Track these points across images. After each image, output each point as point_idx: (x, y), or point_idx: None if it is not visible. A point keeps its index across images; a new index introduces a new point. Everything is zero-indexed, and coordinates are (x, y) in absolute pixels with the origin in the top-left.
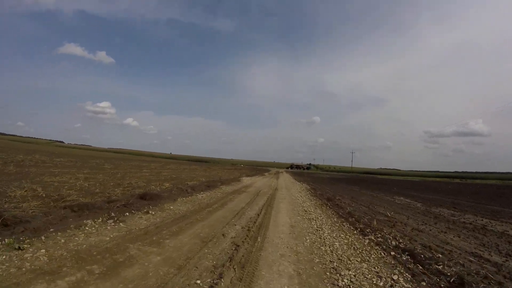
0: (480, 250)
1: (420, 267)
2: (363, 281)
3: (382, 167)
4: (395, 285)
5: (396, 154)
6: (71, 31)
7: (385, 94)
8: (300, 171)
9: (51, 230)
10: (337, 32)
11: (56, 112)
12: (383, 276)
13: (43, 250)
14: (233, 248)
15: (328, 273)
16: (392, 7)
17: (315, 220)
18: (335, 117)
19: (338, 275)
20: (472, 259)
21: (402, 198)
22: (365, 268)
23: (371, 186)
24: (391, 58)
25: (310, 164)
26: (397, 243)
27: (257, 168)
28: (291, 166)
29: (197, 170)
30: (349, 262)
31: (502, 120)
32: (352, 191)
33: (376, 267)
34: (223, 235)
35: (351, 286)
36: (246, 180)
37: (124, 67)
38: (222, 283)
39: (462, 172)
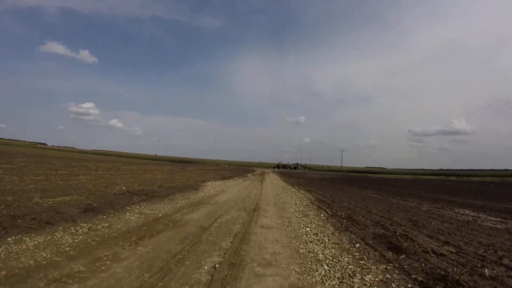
0: None
1: None
2: None
3: (368, 166)
4: None
5: (381, 152)
6: (53, 29)
7: (371, 92)
8: (287, 171)
9: None
10: (324, 28)
11: (39, 113)
12: None
13: None
14: None
15: None
16: (379, 3)
17: None
18: (321, 115)
19: None
20: None
21: (461, 209)
22: None
23: (382, 188)
24: (378, 55)
25: (297, 163)
26: None
27: (242, 168)
28: (278, 166)
29: (160, 172)
30: None
31: (484, 119)
32: (371, 198)
33: None
34: None
35: None
36: (213, 187)
37: (108, 66)
38: None
39: (447, 170)
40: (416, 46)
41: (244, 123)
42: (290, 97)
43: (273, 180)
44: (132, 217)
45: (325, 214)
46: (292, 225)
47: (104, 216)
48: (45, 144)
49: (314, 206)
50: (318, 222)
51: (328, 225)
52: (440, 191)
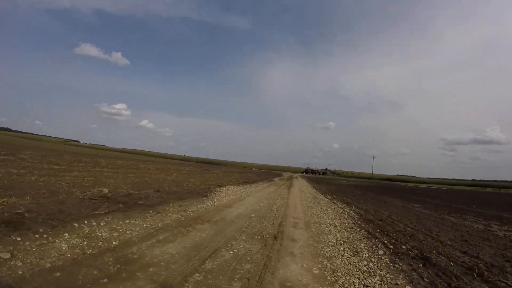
0: None
1: None
2: None
3: (398, 174)
4: None
5: (411, 160)
6: (87, 31)
7: (402, 97)
8: (316, 176)
9: None
10: (353, 30)
11: (73, 112)
12: None
13: None
14: None
15: None
16: (410, 5)
17: None
18: (350, 121)
19: None
20: None
21: None
22: None
23: (425, 200)
24: (409, 59)
25: (326, 169)
26: None
27: (269, 172)
28: (306, 171)
29: (177, 173)
30: None
31: None
32: (424, 216)
33: None
34: None
35: None
36: (228, 193)
37: (140, 68)
38: None
39: (480, 180)
40: (448, 50)
41: (272, 127)
42: (319, 101)
43: (302, 187)
44: (51, 252)
45: (383, 248)
46: (340, 281)
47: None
48: (77, 141)
49: (362, 231)
50: (380, 270)
51: (400, 278)
52: (493, 205)
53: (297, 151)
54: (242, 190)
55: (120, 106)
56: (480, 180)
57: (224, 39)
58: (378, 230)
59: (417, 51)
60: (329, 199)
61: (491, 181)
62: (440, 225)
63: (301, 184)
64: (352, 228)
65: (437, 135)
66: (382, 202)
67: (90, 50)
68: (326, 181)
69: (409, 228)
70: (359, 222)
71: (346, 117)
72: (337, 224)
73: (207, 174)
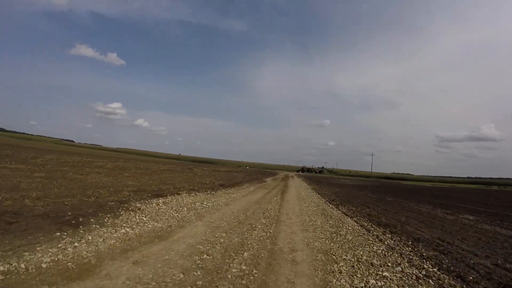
0: None
1: None
2: None
3: (394, 171)
4: None
5: (407, 158)
6: (83, 32)
7: (396, 96)
8: (312, 175)
9: None
10: (349, 31)
11: (68, 112)
12: None
13: None
14: None
15: None
16: (405, 6)
17: None
18: (345, 119)
19: None
20: None
21: None
22: None
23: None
24: (403, 59)
25: (322, 167)
26: None
27: (263, 171)
28: (302, 169)
29: (146, 173)
30: None
31: None
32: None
33: None
34: None
35: None
36: (160, 214)
37: (135, 68)
38: None
39: (475, 177)
40: (442, 50)
41: (268, 126)
42: (314, 100)
43: (299, 190)
44: None
45: None
46: None
47: None
48: (72, 141)
49: None
50: None
51: None
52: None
53: (292, 149)
54: (203, 203)
55: (115, 105)
56: (475, 178)
57: (219, 40)
58: None
59: (411, 51)
60: (339, 211)
61: (487, 178)
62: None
63: (298, 186)
64: None
65: (431, 132)
66: (420, 214)
67: (86, 51)
68: (325, 180)
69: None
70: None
71: (341, 116)
72: None
73: (184, 174)
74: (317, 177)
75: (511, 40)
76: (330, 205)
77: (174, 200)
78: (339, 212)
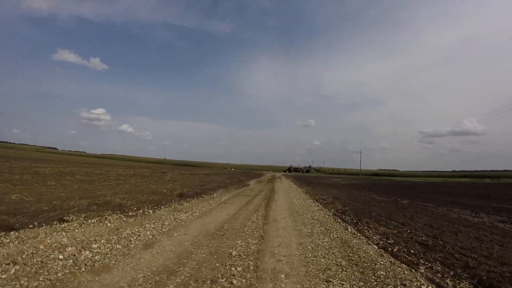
0: None
1: None
2: None
3: (381, 168)
4: None
5: (392, 154)
6: (65, 37)
7: (382, 94)
8: (301, 174)
9: None
10: (335, 30)
11: (52, 119)
12: None
13: None
14: None
15: None
16: (390, 4)
17: None
18: (332, 118)
19: None
20: None
21: None
22: None
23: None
24: (389, 57)
25: (310, 166)
26: None
27: (248, 173)
28: (289, 169)
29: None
30: None
31: (497, 118)
32: None
33: None
34: None
35: None
36: None
37: (119, 73)
38: None
39: (460, 171)
40: (428, 47)
41: (255, 127)
42: (301, 100)
43: (290, 195)
44: None
45: None
46: None
47: None
48: (55, 148)
49: None
50: None
51: None
52: None
53: (279, 150)
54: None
55: (99, 111)
56: (460, 171)
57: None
58: None
59: (396, 49)
60: (390, 251)
61: (472, 171)
62: None
63: (287, 190)
64: None
65: (416, 128)
66: (424, 211)
67: (68, 56)
68: (315, 180)
69: None
70: None
71: (328, 115)
72: None
73: (139, 180)
74: (306, 177)
75: (493, 36)
76: (344, 225)
77: (28, 244)
78: (373, 246)
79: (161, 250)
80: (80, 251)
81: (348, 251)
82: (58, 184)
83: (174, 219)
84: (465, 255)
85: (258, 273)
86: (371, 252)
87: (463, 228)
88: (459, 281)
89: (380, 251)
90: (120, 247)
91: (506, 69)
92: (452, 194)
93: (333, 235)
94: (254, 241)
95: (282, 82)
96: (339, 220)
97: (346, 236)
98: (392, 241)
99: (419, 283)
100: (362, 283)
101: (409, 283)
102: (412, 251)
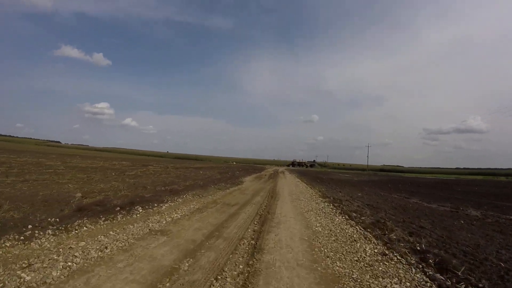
0: None
1: None
2: None
3: (385, 164)
4: None
5: (395, 151)
6: (68, 33)
7: (384, 91)
8: (305, 169)
9: None
10: (335, 28)
11: (55, 114)
12: None
13: None
14: None
15: None
16: (390, 3)
17: None
18: (334, 114)
19: None
20: None
21: None
22: None
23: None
24: (390, 55)
25: (314, 161)
26: None
27: (248, 167)
28: (293, 164)
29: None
30: None
31: (500, 117)
32: None
33: None
34: None
35: None
36: None
37: (122, 67)
38: None
39: (464, 168)
40: (429, 44)
41: (256, 122)
42: (302, 96)
43: (300, 202)
44: None
45: None
46: None
47: None
48: (59, 142)
49: None
50: None
51: None
52: None
53: (282, 145)
54: None
55: (103, 105)
56: (464, 168)
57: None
58: None
59: (397, 47)
60: None
61: (476, 168)
62: None
63: (295, 190)
64: None
65: (419, 125)
66: None
67: (71, 51)
68: (325, 176)
69: None
70: None
71: (330, 111)
72: None
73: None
74: (312, 172)
75: (494, 35)
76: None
77: None
78: None
79: None
80: None
81: None
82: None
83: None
84: None
85: None
86: None
87: None
88: None
89: None
90: None
91: (507, 67)
92: (481, 194)
93: None
94: None
95: (283, 79)
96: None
97: None
98: None
99: None
100: None
101: None
102: None
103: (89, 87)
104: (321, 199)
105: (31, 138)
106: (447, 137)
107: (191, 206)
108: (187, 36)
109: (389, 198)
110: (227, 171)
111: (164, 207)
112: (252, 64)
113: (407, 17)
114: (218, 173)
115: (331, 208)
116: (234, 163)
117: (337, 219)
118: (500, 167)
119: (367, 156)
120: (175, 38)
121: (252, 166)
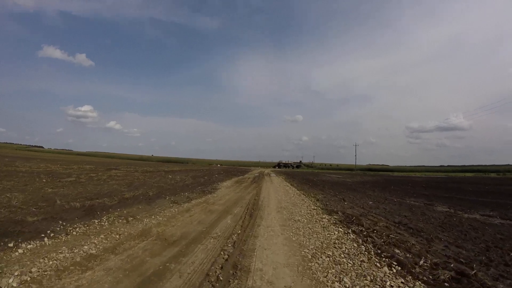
0: None
1: None
2: None
3: (370, 163)
4: None
5: (380, 149)
6: (50, 33)
7: (371, 90)
8: (291, 170)
9: None
10: (324, 27)
11: (38, 117)
12: None
13: None
14: None
15: None
16: (379, 2)
17: None
18: (321, 114)
19: None
20: None
21: None
22: None
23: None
24: (377, 54)
25: (300, 162)
26: None
27: (233, 169)
28: (278, 165)
29: None
30: None
31: (482, 114)
32: None
33: None
34: None
35: None
36: None
37: (106, 69)
38: None
39: (448, 166)
40: (415, 44)
41: (244, 123)
42: (290, 96)
43: (295, 225)
44: None
45: None
46: None
47: None
48: (41, 147)
49: None
50: None
51: None
52: None
53: (268, 145)
54: None
55: (86, 108)
56: (448, 166)
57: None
58: None
59: (383, 46)
60: None
61: (460, 166)
62: None
63: (284, 198)
64: None
65: (403, 124)
66: None
67: (53, 52)
68: (315, 178)
69: None
70: None
71: (317, 111)
72: None
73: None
74: (300, 174)
75: (478, 34)
76: None
77: None
78: None
79: None
80: None
81: None
82: None
83: None
84: None
85: None
86: None
87: None
88: None
89: None
90: None
91: (491, 66)
92: (493, 193)
93: None
94: None
95: (271, 79)
96: None
97: None
98: None
99: None
100: None
101: None
102: None
103: (72, 89)
104: (326, 216)
105: (12, 143)
106: (430, 135)
107: (74, 252)
108: (175, 37)
109: (411, 207)
110: (204, 175)
111: (18, 252)
112: (241, 64)
113: (395, 16)
114: (191, 177)
115: (352, 241)
116: (219, 165)
117: (380, 274)
118: (483, 164)
119: (355, 156)
120: (161, 38)
121: (236, 168)
